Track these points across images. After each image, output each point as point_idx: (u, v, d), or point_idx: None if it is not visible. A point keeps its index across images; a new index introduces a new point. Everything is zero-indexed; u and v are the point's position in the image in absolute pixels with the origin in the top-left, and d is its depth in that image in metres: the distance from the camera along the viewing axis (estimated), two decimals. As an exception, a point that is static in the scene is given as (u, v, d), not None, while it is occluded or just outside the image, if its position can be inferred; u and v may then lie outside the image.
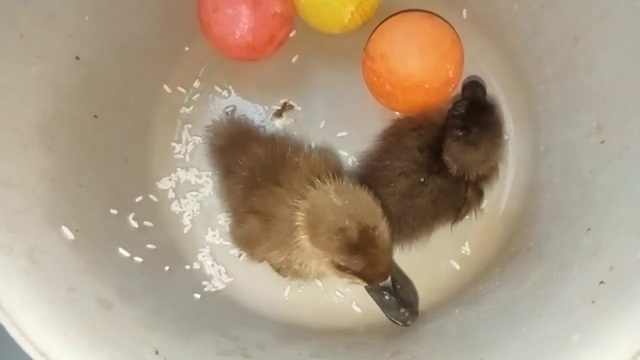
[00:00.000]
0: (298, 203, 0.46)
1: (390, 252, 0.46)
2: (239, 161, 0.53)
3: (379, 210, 0.45)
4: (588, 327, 0.38)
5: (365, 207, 0.44)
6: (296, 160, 0.51)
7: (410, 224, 0.52)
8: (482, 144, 0.51)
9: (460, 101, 0.53)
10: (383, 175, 0.52)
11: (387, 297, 0.47)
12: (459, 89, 0.57)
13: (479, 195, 0.54)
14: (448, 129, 0.51)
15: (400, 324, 0.48)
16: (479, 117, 0.51)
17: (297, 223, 0.46)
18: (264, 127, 0.61)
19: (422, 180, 0.51)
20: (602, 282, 0.41)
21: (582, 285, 0.43)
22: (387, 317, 0.48)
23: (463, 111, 0.51)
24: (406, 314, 0.48)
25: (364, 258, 0.44)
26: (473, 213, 0.55)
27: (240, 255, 0.58)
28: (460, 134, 0.50)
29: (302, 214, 0.46)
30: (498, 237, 0.58)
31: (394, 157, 0.53)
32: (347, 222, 0.43)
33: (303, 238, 0.46)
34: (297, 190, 0.47)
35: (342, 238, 0.43)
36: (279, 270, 0.55)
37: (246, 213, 0.51)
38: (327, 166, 0.51)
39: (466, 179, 0.52)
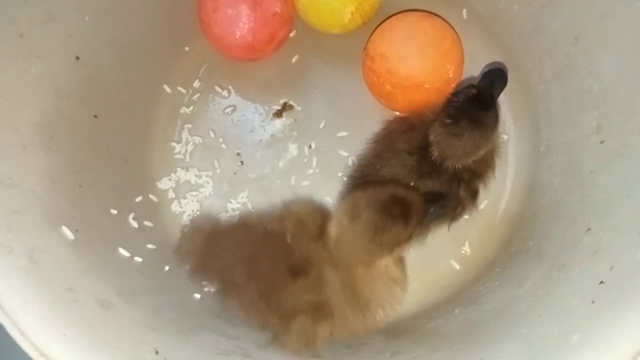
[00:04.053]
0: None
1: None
2: (231, 270, 0.49)
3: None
4: (588, 327, 0.38)
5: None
6: (285, 225, 0.50)
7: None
8: (464, 139, 0.49)
9: (469, 88, 0.51)
10: (374, 180, 0.52)
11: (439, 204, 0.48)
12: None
13: (474, 194, 0.53)
14: (441, 111, 0.50)
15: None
16: (474, 113, 0.49)
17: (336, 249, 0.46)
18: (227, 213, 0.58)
19: (411, 184, 0.51)
20: (602, 282, 0.41)
21: (582, 285, 0.43)
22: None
23: (462, 100, 0.50)
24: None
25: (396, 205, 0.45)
26: (469, 213, 0.54)
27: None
28: (448, 121, 0.49)
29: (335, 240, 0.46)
30: (498, 237, 0.58)
31: (384, 162, 0.52)
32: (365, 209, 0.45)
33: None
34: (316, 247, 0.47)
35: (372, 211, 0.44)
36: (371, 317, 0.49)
37: (283, 315, 0.47)
38: (311, 209, 0.52)
39: (458, 176, 0.51)
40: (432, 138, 0.50)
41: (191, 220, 0.56)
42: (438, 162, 0.50)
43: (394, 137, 0.54)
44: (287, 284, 0.47)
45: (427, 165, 0.51)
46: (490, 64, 0.58)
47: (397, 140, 0.53)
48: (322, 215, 0.52)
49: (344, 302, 0.46)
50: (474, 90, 0.50)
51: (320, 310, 0.46)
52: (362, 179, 0.54)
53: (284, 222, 0.51)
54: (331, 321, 0.46)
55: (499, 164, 0.55)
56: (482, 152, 0.51)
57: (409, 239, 0.46)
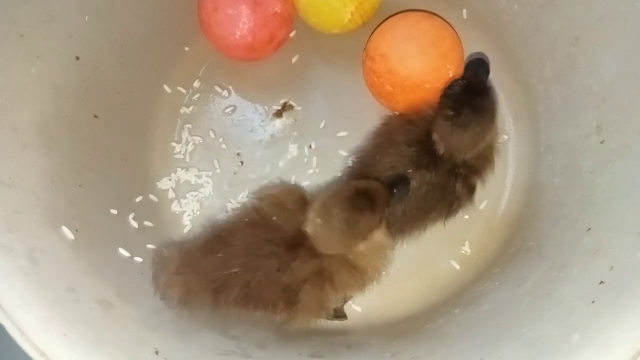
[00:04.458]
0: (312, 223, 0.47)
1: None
2: (226, 278, 0.48)
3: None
4: (588, 327, 0.38)
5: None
6: (265, 211, 0.50)
7: (400, 219, 0.52)
8: (471, 128, 0.49)
9: (459, 80, 0.51)
10: (373, 171, 0.52)
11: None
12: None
13: (470, 189, 0.53)
14: (440, 107, 0.50)
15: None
16: (473, 100, 0.49)
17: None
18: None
19: (408, 171, 0.51)
20: (602, 282, 0.41)
21: (582, 285, 0.43)
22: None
23: (458, 91, 0.50)
24: None
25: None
26: (465, 209, 0.54)
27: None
28: (451, 113, 0.49)
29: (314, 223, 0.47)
30: (498, 237, 0.58)
31: (383, 153, 0.52)
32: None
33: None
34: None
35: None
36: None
37: (289, 294, 0.48)
38: (282, 189, 0.53)
39: (455, 171, 0.51)
40: (436, 135, 0.50)
41: (156, 253, 0.51)
42: (437, 156, 0.51)
43: (393, 131, 0.54)
44: (288, 261, 0.48)
45: (425, 158, 0.51)
46: (470, 55, 0.58)
47: (396, 133, 0.53)
48: (294, 191, 0.53)
49: (340, 266, 0.48)
50: (463, 81, 0.50)
51: (321, 274, 0.48)
52: (361, 170, 0.54)
53: (262, 208, 0.51)
54: (333, 283, 0.48)
55: (498, 161, 0.55)
56: (486, 141, 0.51)
57: (380, 222, 0.48)
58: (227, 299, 0.48)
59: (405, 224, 0.53)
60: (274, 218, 0.50)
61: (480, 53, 0.57)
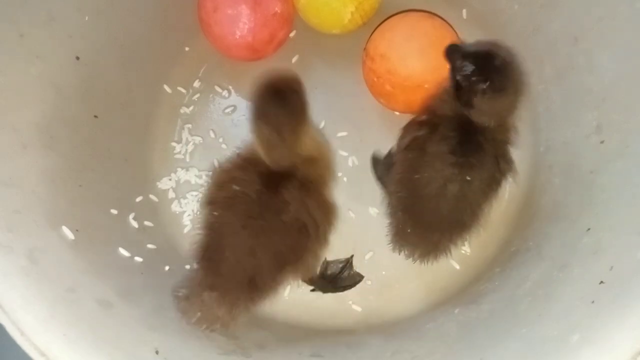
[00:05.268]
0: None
1: None
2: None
3: None
4: (588, 327, 0.38)
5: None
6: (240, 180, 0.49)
7: (465, 217, 0.51)
8: (510, 86, 0.48)
9: (460, 65, 0.49)
10: (428, 194, 0.50)
11: None
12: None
13: (509, 161, 0.51)
14: (467, 92, 0.48)
15: None
16: (490, 65, 0.47)
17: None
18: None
19: (468, 179, 0.49)
20: (602, 282, 0.41)
21: (582, 285, 0.43)
22: None
23: (473, 67, 0.48)
24: None
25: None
26: (510, 179, 0.52)
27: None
28: (485, 86, 0.47)
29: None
30: (498, 237, 0.58)
31: (429, 169, 0.50)
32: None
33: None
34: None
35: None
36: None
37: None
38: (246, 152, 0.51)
39: (496, 152, 0.50)
40: (480, 117, 0.48)
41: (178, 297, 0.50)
42: (478, 145, 0.49)
43: (425, 141, 0.51)
44: (280, 202, 0.47)
45: (472, 157, 0.49)
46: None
47: (431, 144, 0.50)
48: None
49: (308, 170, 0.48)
50: (467, 61, 0.48)
51: (305, 229, 0.48)
52: (410, 197, 0.52)
53: (232, 181, 0.49)
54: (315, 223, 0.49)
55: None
56: (522, 92, 0.49)
57: (302, 114, 0.47)
58: (263, 279, 0.48)
59: (470, 221, 0.51)
60: (235, 187, 0.48)
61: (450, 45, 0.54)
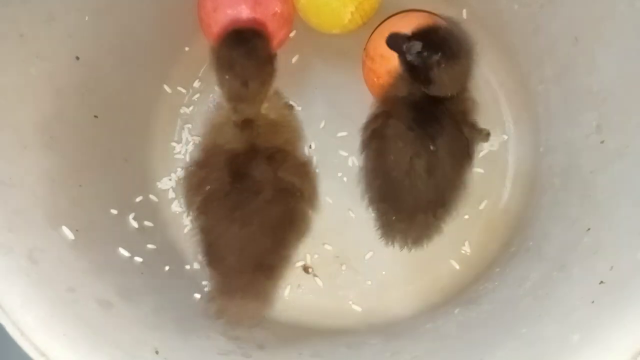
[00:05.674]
0: None
1: None
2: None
3: None
4: (588, 327, 0.38)
5: None
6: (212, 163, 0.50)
7: (443, 190, 0.51)
8: (461, 50, 0.50)
9: (408, 47, 0.50)
10: (399, 174, 0.51)
11: None
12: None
13: (475, 128, 0.53)
14: (423, 69, 0.50)
15: None
16: (436, 37, 0.50)
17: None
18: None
19: (432, 148, 0.50)
20: (602, 282, 0.41)
21: (582, 285, 0.43)
22: None
23: (422, 44, 0.49)
24: None
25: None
26: (482, 142, 0.55)
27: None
28: (438, 56, 0.49)
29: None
30: (498, 237, 0.58)
31: (393, 150, 0.51)
32: None
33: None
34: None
35: None
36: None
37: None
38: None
39: (456, 120, 0.51)
40: (435, 87, 0.50)
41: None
42: (437, 117, 0.50)
43: (383, 129, 0.52)
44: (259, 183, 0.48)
45: (429, 126, 0.50)
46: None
47: (388, 128, 0.52)
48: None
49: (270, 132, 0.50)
50: (413, 43, 0.50)
51: (289, 196, 0.49)
52: (385, 184, 0.52)
53: (203, 182, 0.50)
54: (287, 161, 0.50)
55: (498, 161, 0.55)
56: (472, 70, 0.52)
57: (269, 65, 0.49)
58: (271, 257, 0.49)
59: (448, 189, 0.52)
60: (208, 188, 0.49)
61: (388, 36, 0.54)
